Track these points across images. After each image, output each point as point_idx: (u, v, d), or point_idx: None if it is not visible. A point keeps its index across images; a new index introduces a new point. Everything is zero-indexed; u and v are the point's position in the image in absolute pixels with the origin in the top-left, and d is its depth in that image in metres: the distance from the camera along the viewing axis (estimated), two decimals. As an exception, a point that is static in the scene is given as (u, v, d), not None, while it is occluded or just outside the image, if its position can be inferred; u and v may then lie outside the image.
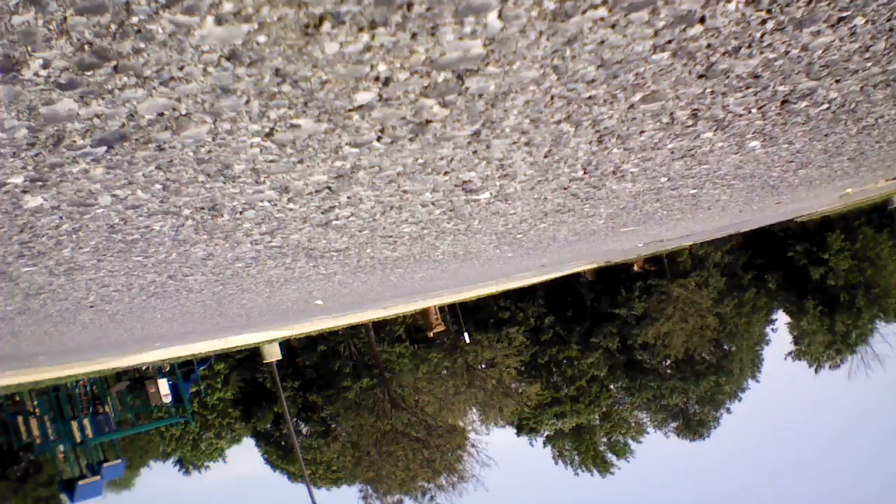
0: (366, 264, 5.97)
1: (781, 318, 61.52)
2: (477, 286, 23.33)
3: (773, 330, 61.90)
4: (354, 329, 45.13)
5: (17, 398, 37.89)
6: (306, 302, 10.27)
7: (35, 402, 37.99)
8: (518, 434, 59.11)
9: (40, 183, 2.42)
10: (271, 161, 2.61)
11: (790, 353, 60.65)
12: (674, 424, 60.59)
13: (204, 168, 2.56)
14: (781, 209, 12.60)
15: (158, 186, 2.68)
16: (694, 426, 59.94)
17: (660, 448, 64.46)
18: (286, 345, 39.15)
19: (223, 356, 45.04)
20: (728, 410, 60.39)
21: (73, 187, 2.51)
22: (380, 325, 48.46)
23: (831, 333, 57.20)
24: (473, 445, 50.66)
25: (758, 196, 7.06)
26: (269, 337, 31.05)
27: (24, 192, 2.47)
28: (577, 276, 47.43)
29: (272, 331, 26.35)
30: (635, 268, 52.90)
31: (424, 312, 45.58)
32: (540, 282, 39.79)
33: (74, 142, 2.16)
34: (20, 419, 38.24)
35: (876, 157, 5.74)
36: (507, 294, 46.26)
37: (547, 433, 59.70)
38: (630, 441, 60.58)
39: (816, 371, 60.38)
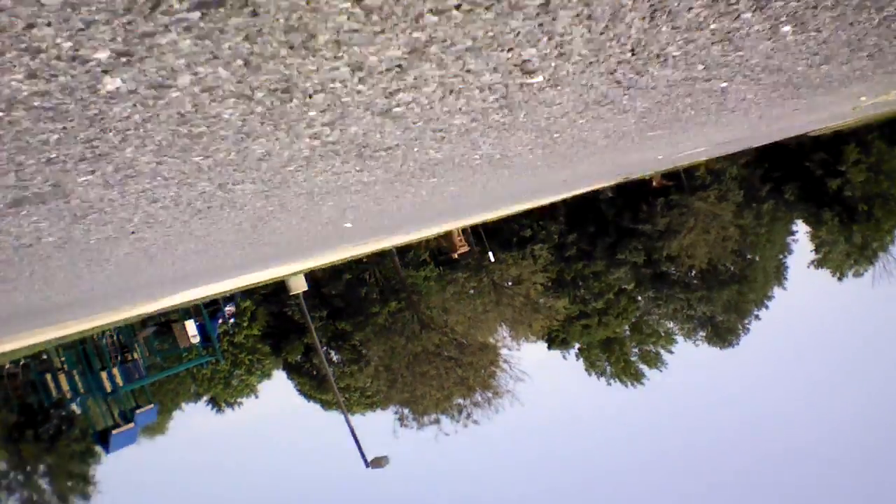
0: (406, 170, 5.75)
1: (802, 229, 61.93)
2: (499, 207, 22.78)
3: (794, 240, 62.33)
4: (379, 256, 44.73)
5: (44, 356, 37.68)
6: (336, 225, 9.74)
7: (62, 358, 37.88)
8: (549, 348, 59.73)
9: (125, 59, 2.13)
10: (354, 31, 2.40)
11: (812, 262, 61.02)
12: (702, 333, 61.30)
13: (290, 39, 2.33)
14: (797, 120, 12.45)
15: (240, 62, 2.41)
16: (723, 333, 60.56)
17: (690, 357, 64.35)
18: (310, 276, 38.67)
19: (248, 293, 44.77)
20: (757, 317, 61.05)
21: (156, 64, 2.25)
22: (404, 251, 48.15)
23: (850, 243, 57.56)
24: (506, 361, 50.81)
25: (780, 97, 6.79)
26: (292, 269, 30.51)
27: (106, 71, 2.18)
28: (596, 193, 46.96)
29: (295, 264, 25.81)
30: (654, 183, 52.52)
31: (447, 235, 45.38)
32: (559, 200, 39.21)
33: (171, 6, 1.93)
34: (48, 377, 38.31)
35: (894, 56, 5.65)
36: (526, 214, 45.82)
37: (578, 345, 60.25)
38: (661, 350, 61.24)
39: (840, 279, 60.71)
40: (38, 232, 4.33)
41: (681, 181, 53.11)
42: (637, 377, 60.90)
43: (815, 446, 77.82)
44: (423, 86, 3.35)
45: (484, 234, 50.94)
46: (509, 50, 3.08)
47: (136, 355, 38.95)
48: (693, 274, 57.99)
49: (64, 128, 2.56)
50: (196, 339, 37.87)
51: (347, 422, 37.11)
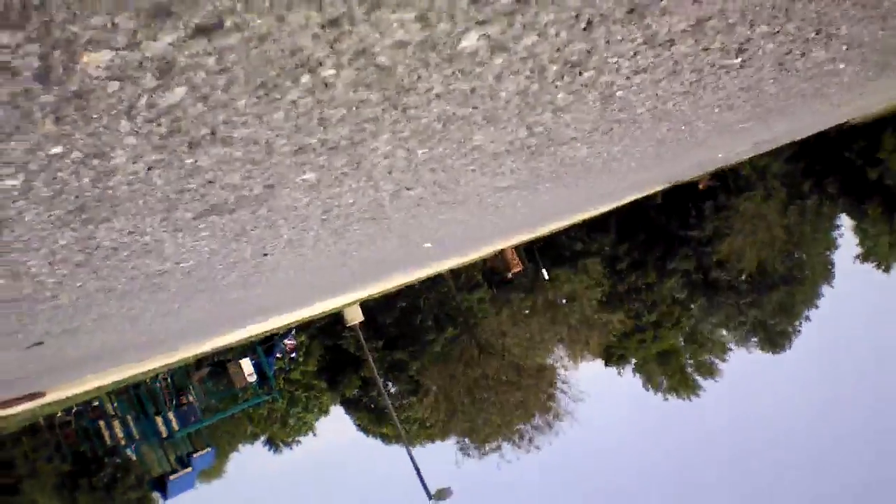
0: (541, 172, 5.36)
1: (846, 223, 60.69)
2: (563, 216, 21.91)
3: (839, 235, 61.19)
4: (431, 281, 43.76)
5: (96, 403, 36.98)
6: (418, 245, 9.07)
7: (115, 404, 37.28)
8: (606, 365, 59.21)
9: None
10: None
11: (858, 256, 59.77)
12: (754, 339, 60.81)
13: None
14: (844, 109, 11.95)
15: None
16: (774, 338, 59.93)
17: (745, 365, 63.96)
18: (364, 306, 37.85)
19: (301, 327, 43.98)
20: (807, 318, 60.46)
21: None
22: (457, 274, 47.16)
23: (893, 233, 56.31)
24: (564, 382, 50.72)
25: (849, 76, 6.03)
26: (347, 300, 29.60)
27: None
28: (645, 200, 45.95)
29: (350, 293, 24.90)
30: (700, 186, 51.31)
31: (500, 254, 44.52)
32: (609, 210, 38.35)
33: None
34: (102, 424, 37.77)
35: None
36: (576, 226, 44.83)
37: (634, 361, 59.72)
38: (715, 360, 60.75)
39: (886, 270, 59.45)
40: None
41: (726, 181, 52.06)
42: (693, 389, 60.43)
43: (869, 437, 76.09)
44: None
45: (536, 252, 49.89)
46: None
47: (191, 398, 38.27)
48: (743, 278, 57.02)
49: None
50: (253, 378, 37.23)
51: (409, 454, 36.41)
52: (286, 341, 40.95)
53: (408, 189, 4.09)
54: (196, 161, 2.36)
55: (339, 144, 2.70)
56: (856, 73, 5.86)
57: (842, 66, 5.22)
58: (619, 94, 3.66)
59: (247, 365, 36.71)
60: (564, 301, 51.42)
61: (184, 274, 4.39)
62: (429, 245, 9.79)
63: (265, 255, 4.70)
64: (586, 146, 4.86)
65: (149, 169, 2.29)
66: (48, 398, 16.79)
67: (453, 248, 14.60)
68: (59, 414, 36.98)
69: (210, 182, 2.64)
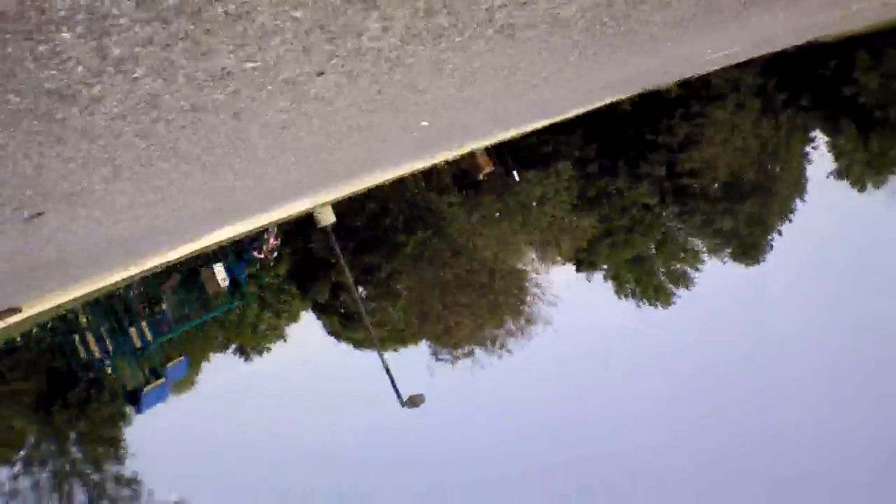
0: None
1: (821, 139, 61.08)
2: (532, 120, 21.52)
3: (813, 148, 61.47)
4: (400, 183, 43.16)
5: (69, 316, 36.28)
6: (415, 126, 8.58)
7: (89, 317, 36.68)
8: (578, 270, 59.29)
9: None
10: None
11: (832, 173, 60.18)
12: (728, 250, 60.93)
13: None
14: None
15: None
16: (748, 249, 60.33)
17: (718, 277, 63.83)
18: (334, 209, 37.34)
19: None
20: (779, 232, 60.86)
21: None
22: (427, 177, 46.64)
23: (868, 152, 56.62)
24: (537, 286, 50.54)
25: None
26: (318, 201, 29.06)
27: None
28: (613, 106, 45.59)
29: (322, 194, 24.44)
30: (671, 94, 50.92)
31: (471, 155, 43.92)
32: (579, 115, 38.02)
33: None
34: (76, 338, 37.15)
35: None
36: (546, 129, 44.39)
37: (605, 267, 60.09)
38: (688, 269, 61.07)
39: (860, 190, 59.89)
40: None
41: (697, 91, 51.75)
42: (666, 297, 60.54)
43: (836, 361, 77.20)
44: None
45: (507, 154, 49.45)
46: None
47: (163, 306, 37.86)
48: (715, 187, 57.25)
49: None
50: (226, 284, 36.87)
51: (381, 359, 36.33)
52: (270, 240, 40.48)
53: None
54: None
55: None
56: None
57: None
58: None
59: (220, 271, 36.34)
60: (535, 204, 51.08)
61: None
62: (426, 123, 9.44)
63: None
64: None
65: None
66: (25, 313, 16.17)
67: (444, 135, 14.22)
68: (34, 330, 36.33)
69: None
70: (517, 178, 49.99)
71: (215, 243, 31.03)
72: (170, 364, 37.77)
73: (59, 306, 23.46)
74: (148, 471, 43.85)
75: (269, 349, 55.56)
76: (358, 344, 53.54)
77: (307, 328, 56.87)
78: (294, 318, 54.93)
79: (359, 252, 48.48)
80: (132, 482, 46.54)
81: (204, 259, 37.48)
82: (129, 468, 46.45)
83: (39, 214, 4.34)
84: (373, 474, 78.12)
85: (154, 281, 37.23)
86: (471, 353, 49.50)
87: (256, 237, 39.23)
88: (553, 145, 51.72)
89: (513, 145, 48.30)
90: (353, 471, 76.01)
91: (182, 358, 39.32)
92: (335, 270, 45.31)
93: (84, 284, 19.93)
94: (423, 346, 50.83)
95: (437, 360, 50.08)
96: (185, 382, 49.74)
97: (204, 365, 54.16)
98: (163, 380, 36.72)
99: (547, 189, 50.69)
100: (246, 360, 55.82)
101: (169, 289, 38.69)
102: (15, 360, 39.51)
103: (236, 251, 38.24)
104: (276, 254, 43.75)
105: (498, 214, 50.01)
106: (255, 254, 40.52)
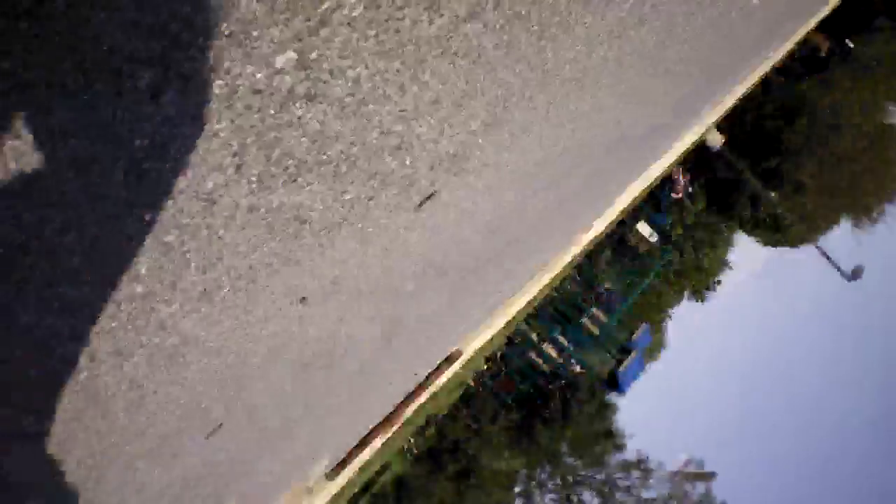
0: None
1: None
2: None
3: None
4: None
5: (516, 339, 36.70)
6: None
7: (536, 330, 37.06)
8: None
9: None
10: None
11: None
12: None
13: None
14: None
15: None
16: None
17: None
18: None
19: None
20: None
21: None
22: (778, 70, 43.60)
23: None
24: None
25: None
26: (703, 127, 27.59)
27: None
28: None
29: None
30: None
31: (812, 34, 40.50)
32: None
33: None
34: (532, 354, 37.53)
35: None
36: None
37: None
38: None
39: None
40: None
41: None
42: None
43: None
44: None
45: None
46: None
47: (606, 285, 37.56)
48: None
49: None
50: (654, 238, 36.05)
51: (818, 247, 34.72)
52: (679, 178, 39.39)
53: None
54: None
55: None
56: None
57: None
58: None
59: (644, 227, 35.65)
60: (876, 64, 46.09)
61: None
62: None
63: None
64: None
65: None
66: (465, 354, 15.71)
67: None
68: (486, 366, 36.34)
69: None
70: (851, 45, 45.16)
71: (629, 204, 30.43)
72: (633, 336, 37.22)
73: (500, 332, 23.10)
74: (650, 445, 44.00)
75: (719, 282, 54.80)
76: (792, 243, 51.64)
77: (744, 248, 55.28)
78: (729, 242, 53.90)
79: (756, 160, 46.55)
80: (639, 464, 46.78)
81: (627, 222, 36.81)
82: (631, 452, 46.76)
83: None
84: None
85: (587, 263, 37.00)
86: (883, 213, 48.83)
87: (664, 184, 38.07)
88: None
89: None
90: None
91: (643, 325, 38.66)
92: (745, 185, 44.47)
93: (514, 303, 19.53)
94: (842, 224, 50.07)
95: (859, 228, 49.50)
96: (655, 346, 49.41)
97: (666, 323, 53.86)
98: (633, 353, 36.18)
99: (890, 47, 45.36)
100: (701, 302, 55.32)
101: (604, 264, 38.39)
102: (478, 404, 40.05)
103: (652, 204, 37.27)
104: (690, 190, 42.34)
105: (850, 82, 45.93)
106: (673, 195, 39.35)
